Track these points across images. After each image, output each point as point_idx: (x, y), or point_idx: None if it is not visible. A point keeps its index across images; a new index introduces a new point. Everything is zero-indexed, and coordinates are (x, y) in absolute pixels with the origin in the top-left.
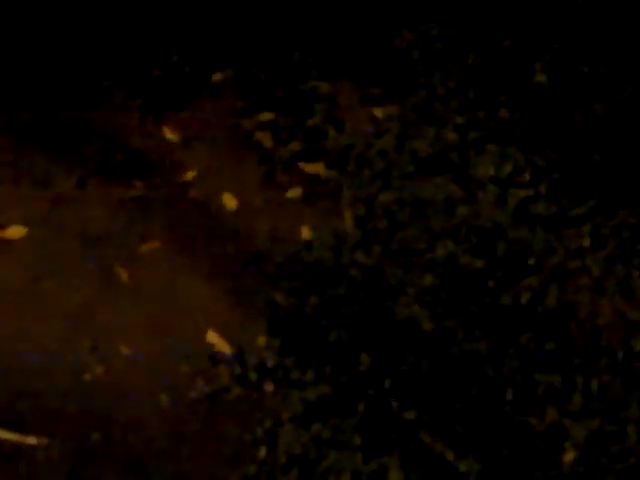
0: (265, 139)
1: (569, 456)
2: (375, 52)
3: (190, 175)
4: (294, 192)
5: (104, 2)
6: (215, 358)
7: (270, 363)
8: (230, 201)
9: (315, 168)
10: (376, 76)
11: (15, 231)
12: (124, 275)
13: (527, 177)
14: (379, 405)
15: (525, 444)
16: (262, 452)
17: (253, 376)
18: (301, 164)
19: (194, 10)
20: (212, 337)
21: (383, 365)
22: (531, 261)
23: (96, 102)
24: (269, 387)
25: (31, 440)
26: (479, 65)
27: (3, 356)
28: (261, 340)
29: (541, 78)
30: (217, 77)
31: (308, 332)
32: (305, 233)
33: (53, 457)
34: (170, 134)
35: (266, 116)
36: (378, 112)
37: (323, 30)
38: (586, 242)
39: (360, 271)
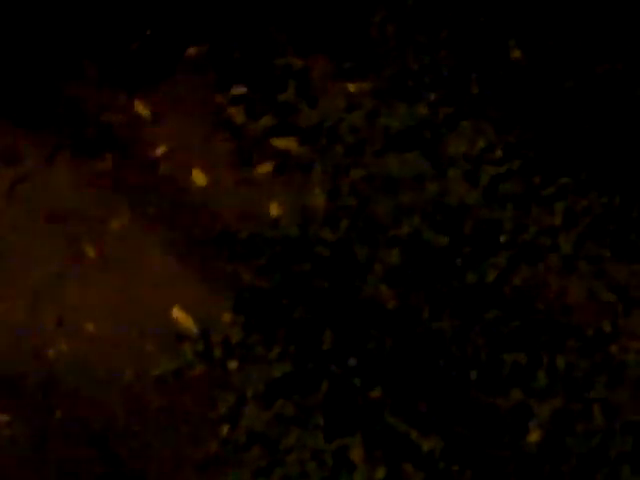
0: (237, 114)
1: (534, 436)
2: (349, 28)
3: (161, 150)
4: (265, 168)
5: None
6: (180, 335)
7: (235, 340)
8: (200, 177)
9: (287, 143)
10: (350, 51)
11: None
12: (91, 251)
13: (499, 154)
14: (343, 383)
15: (490, 424)
16: (225, 430)
17: (217, 353)
18: (273, 139)
19: None
20: (178, 314)
21: (347, 343)
22: (501, 239)
23: (68, 75)
24: (233, 364)
25: None
26: (453, 41)
27: None
28: (226, 317)
29: (516, 54)
30: (191, 52)
31: (273, 309)
32: (274, 209)
33: (16, 434)
34: (142, 109)
35: (238, 91)
36: (351, 87)
37: (297, 5)
38: (557, 220)
39: (327, 248)
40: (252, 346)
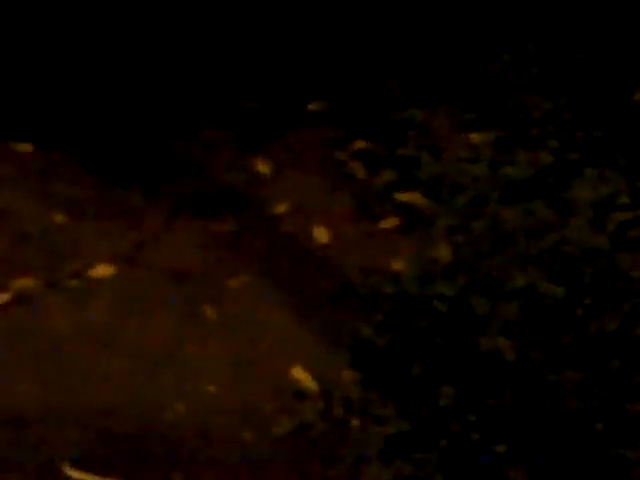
0: (358, 169)
1: None
2: (471, 77)
3: (282, 208)
4: (388, 222)
5: (195, 38)
6: (300, 394)
7: (355, 398)
8: (322, 234)
9: (410, 197)
10: (472, 101)
11: (103, 269)
12: (211, 311)
13: (626, 200)
14: (462, 440)
15: (620, 477)
16: None
17: (338, 412)
18: (395, 194)
19: (287, 41)
20: (298, 372)
21: (466, 398)
22: (626, 286)
23: (188, 136)
24: (354, 423)
25: None
26: (576, 86)
27: (85, 397)
28: (346, 374)
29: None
30: (311, 108)
31: (391, 366)
32: (396, 264)
33: None
34: (262, 166)
35: (360, 145)
36: (473, 138)
37: (417, 57)
38: None
39: (445, 302)
40: (371, 404)
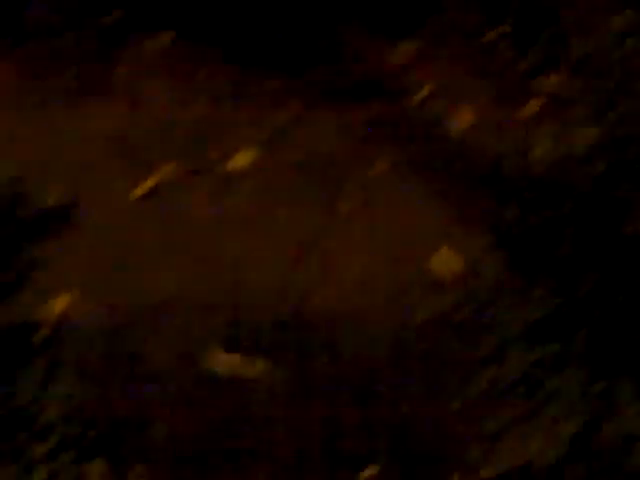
0: (504, 52)
1: None
2: None
3: (425, 92)
4: (532, 106)
5: None
6: (444, 279)
7: (499, 281)
8: (463, 118)
9: (554, 80)
10: None
11: (241, 158)
12: (352, 199)
13: None
14: (607, 324)
15: None
16: (489, 372)
17: (482, 295)
18: (540, 76)
19: None
20: (443, 257)
21: (612, 282)
22: None
23: (330, 24)
24: (499, 305)
25: (255, 365)
26: None
27: (230, 282)
28: (491, 257)
29: None
30: None
31: (536, 248)
32: (539, 147)
33: (275, 383)
34: (404, 52)
35: (505, 28)
36: (626, 14)
37: None
38: None
39: (590, 184)
40: (516, 286)
